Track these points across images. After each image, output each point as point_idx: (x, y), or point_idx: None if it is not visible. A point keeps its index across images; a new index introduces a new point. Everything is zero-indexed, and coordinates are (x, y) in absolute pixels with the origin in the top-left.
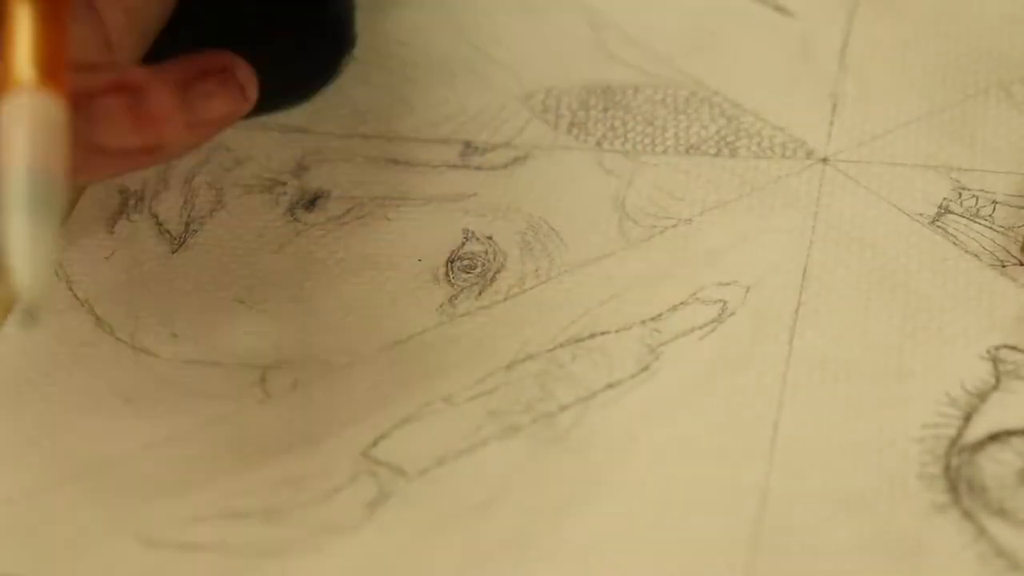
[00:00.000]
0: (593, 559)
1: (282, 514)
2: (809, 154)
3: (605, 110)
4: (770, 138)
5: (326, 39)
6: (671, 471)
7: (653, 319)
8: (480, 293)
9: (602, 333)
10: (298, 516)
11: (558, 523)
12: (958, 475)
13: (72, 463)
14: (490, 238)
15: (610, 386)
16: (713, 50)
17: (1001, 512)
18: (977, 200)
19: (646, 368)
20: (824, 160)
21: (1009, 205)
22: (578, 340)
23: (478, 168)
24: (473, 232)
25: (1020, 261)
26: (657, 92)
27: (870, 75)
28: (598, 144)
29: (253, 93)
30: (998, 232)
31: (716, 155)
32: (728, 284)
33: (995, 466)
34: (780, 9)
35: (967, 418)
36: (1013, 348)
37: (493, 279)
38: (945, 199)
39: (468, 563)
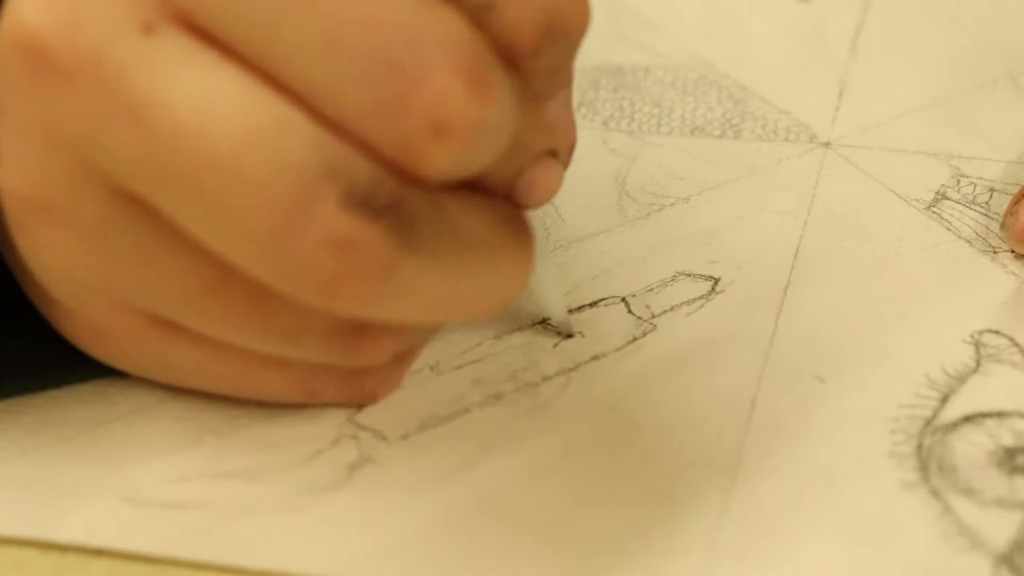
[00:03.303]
0: (565, 523)
1: (264, 474)
2: (812, 138)
3: (615, 90)
4: (775, 122)
5: None
6: (646, 443)
7: (643, 293)
8: None
9: (591, 305)
10: (279, 476)
11: (533, 488)
12: (929, 454)
13: (64, 425)
14: None
15: (595, 358)
16: (727, 34)
17: (968, 491)
18: (975, 187)
19: (632, 341)
20: (826, 144)
21: (1007, 193)
22: (567, 312)
23: None
24: None
25: (1001, 239)
26: (667, 74)
27: (880, 62)
28: (604, 123)
29: None
30: (992, 219)
31: (720, 137)
32: (720, 262)
33: (967, 447)
34: None
35: (944, 399)
36: (996, 332)
37: None
38: (943, 185)
39: (444, 524)
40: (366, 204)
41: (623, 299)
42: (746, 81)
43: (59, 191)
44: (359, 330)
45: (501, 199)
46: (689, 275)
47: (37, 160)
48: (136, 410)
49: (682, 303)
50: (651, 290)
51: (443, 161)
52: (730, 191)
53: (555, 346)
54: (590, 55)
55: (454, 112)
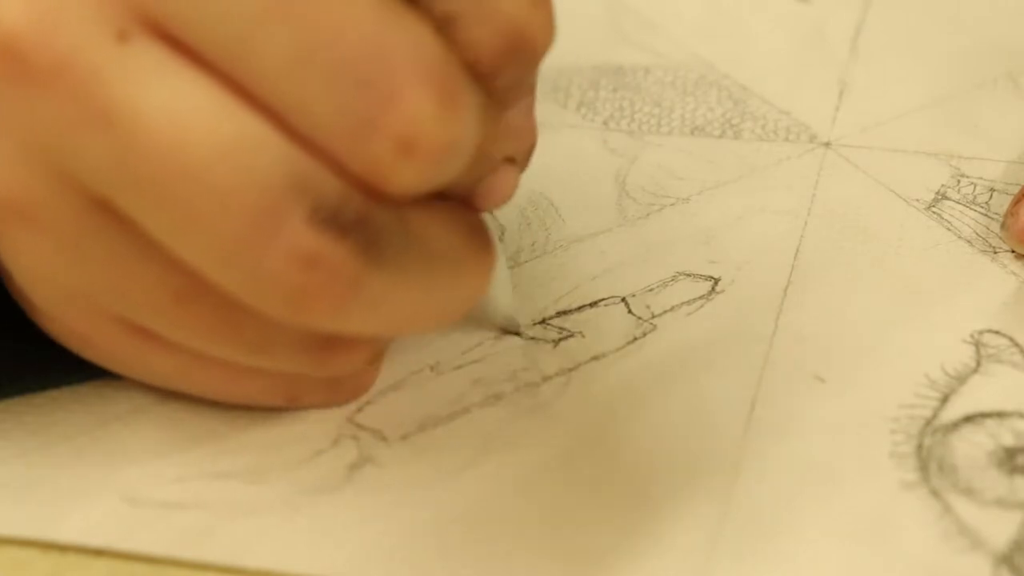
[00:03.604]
0: (566, 524)
1: (264, 474)
2: (812, 138)
3: (615, 90)
4: (775, 122)
5: None
6: (646, 443)
7: (643, 293)
8: None
9: (591, 306)
10: (279, 477)
11: (533, 489)
12: (929, 454)
13: (64, 425)
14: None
15: (595, 358)
16: (727, 34)
17: (968, 491)
18: (975, 187)
19: (633, 341)
20: (827, 144)
21: (1007, 193)
22: (566, 313)
23: None
24: None
25: (1002, 240)
26: (667, 74)
27: (880, 62)
28: (604, 123)
29: None
30: (993, 219)
31: (720, 137)
32: (720, 262)
33: (967, 447)
34: None
35: (944, 399)
36: (997, 333)
37: None
38: (943, 186)
39: (444, 524)
40: (333, 220)
41: (623, 299)
42: (746, 81)
43: (34, 196)
44: (329, 342)
45: (460, 205)
46: (689, 275)
47: (12, 164)
48: (135, 410)
49: (682, 303)
50: (651, 290)
51: (411, 179)
52: (730, 191)
53: (555, 346)
54: (590, 55)
55: (424, 131)
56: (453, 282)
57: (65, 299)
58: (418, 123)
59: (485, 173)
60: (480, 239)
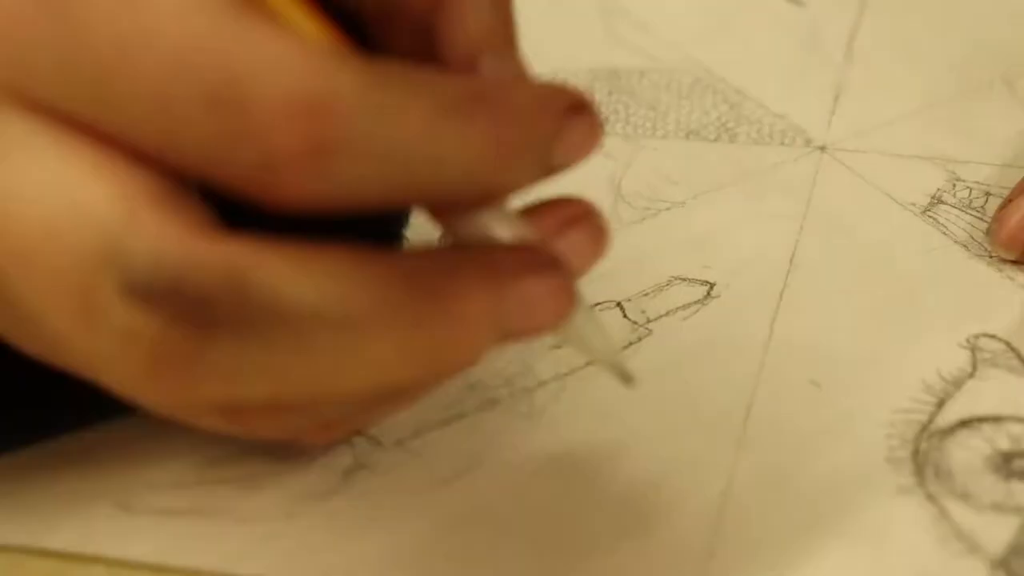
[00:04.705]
0: (559, 529)
1: (259, 480)
2: (808, 142)
3: (610, 93)
4: (770, 125)
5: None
6: (640, 449)
7: (639, 298)
8: None
9: None
10: (274, 482)
11: (527, 494)
12: (926, 459)
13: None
14: None
15: (590, 363)
16: (723, 38)
17: (965, 496)
18: (971, 191)
19: (628, 346)
20: (822, 148)
21: (1002, 197)
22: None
23: None
24: None
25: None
26: (663, 77)
27: (876, 66)
28: None
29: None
30: (988, 223)
31: (715, 140)
32: (715, 267)
33: (963, 451)
34: None
35: (940, 404)
36: (992, 337)
37: None
38: (939, 189)
39: (438, 529)
40: (147, 290)
41: (618, 303)
42: (741, 85)
43: None
44: (234, 409)
45: (358, 257)
46: (684, 280)
47: None
48: (130, 418)
49: (677, 308)
50: (646, 295)
51: (294, 187)
52: (725, 195)
53: (550, 351)
54: (585, 58)
55: (287, 141)
56: (341, 344)
57: None
58: (278, 133)
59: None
60: (397, 294)
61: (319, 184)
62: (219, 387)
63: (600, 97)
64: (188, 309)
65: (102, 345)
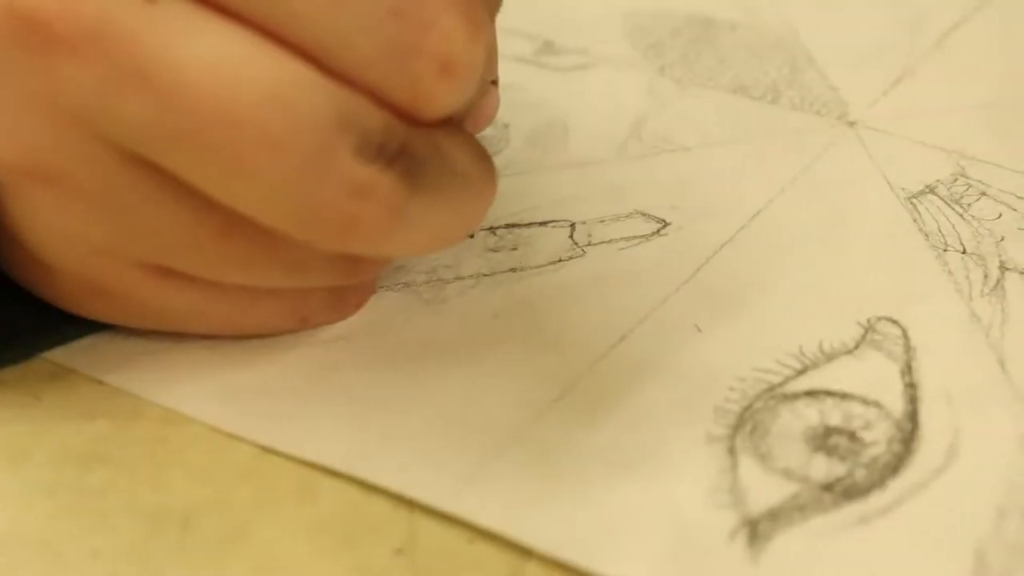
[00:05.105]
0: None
1: None
2: (841, 116)
3: (690, 40)
4: (818, 95)
5: None
6: (508, 352)
7: (593, 223)
8: None
9: (540, 224)
10: None
11: (394, 364)
12: (751, 416)
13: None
14: (506, 126)
15: (512, 270)
16: (828, 6)
17: (763, 456)
18: (967, 188)
19: (557, 262)
20: (851, 124)
21: (996, 200)
22: (515, 226)
23: (541, 66)
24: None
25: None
26: (749, 32)
27: (958, 58)
28: (661, 69)
29: None
30: (967, 222)
31: (759, 99)
32: (681, 209)
33: (791, 417)
34: None
35: (801, 372)
36: (894, 322)
37: None
38: (937, 180)
39: (294, 378)
40: (380, 151)
41: (572, 224)
42: (817, 53)
43: (61, 160)
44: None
45: (464, 129)
46: (644, 215)
47: (36, 131)
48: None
49: (621, 238)
50: (603, 221)
51: (449, 98)
52: (729, 149)
53: (485, 252)
54: (687, 3)
55: (458, 52)
56: (473, 200)
57: (91, 254)
58: (453, 44)
59: (479, 96)
60: (488, 158)
61: (454, 99)
62: (403, 239)
63: (681, 41)
64: (412, 167)
65: (325, 200)
